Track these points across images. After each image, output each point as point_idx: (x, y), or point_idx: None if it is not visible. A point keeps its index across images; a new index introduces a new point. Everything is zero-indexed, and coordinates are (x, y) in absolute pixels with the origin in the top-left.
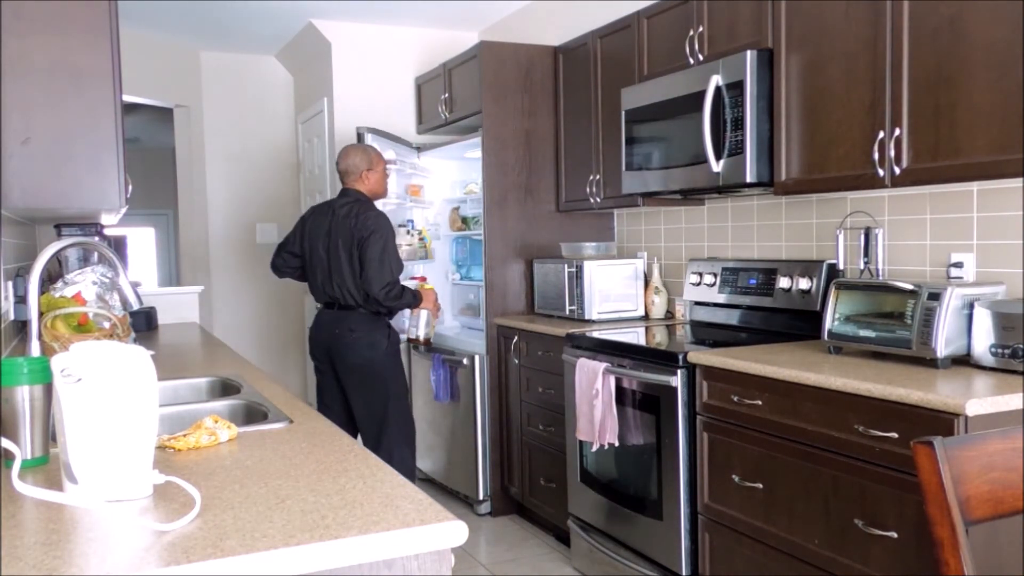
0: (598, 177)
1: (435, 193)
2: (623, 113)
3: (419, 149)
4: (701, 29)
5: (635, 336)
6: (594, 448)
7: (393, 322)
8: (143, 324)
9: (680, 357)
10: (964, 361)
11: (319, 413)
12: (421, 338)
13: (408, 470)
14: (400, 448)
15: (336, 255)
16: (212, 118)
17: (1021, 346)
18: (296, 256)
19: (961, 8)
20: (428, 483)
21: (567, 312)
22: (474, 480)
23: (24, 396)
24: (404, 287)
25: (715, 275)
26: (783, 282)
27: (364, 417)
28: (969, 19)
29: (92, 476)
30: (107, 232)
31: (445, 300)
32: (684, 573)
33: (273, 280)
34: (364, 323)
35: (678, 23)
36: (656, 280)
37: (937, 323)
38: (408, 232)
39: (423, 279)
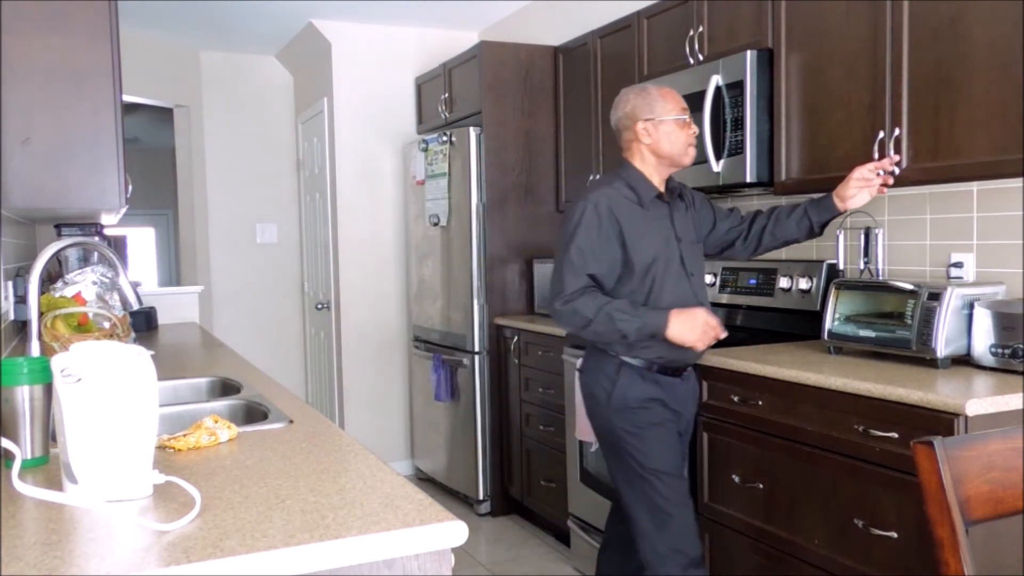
0: (598, 177)
1: None
2: None
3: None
4: (701, 29)
5: None
6: (594, 448)
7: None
8: (143, 324)
9: None
10: (964, 361)
11: (318, 413)
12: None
13: None
14: (662, 562)
15: None
16: (212, 118)
17: (1021, 346)
18: None
19: (961, 8)
20: (428, 483)
21: None
22: (474, 480)
23: (24, 396)
24: (595, 303)
25: (715, 275)
26: (783, 282)
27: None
28: (969, 19)
29: (92, 476)
30: (107, 232)
31: None
32: None
33: (273, 280)
34: (589, 360)
35: (678, 23)
36: None
37: (937, 323)
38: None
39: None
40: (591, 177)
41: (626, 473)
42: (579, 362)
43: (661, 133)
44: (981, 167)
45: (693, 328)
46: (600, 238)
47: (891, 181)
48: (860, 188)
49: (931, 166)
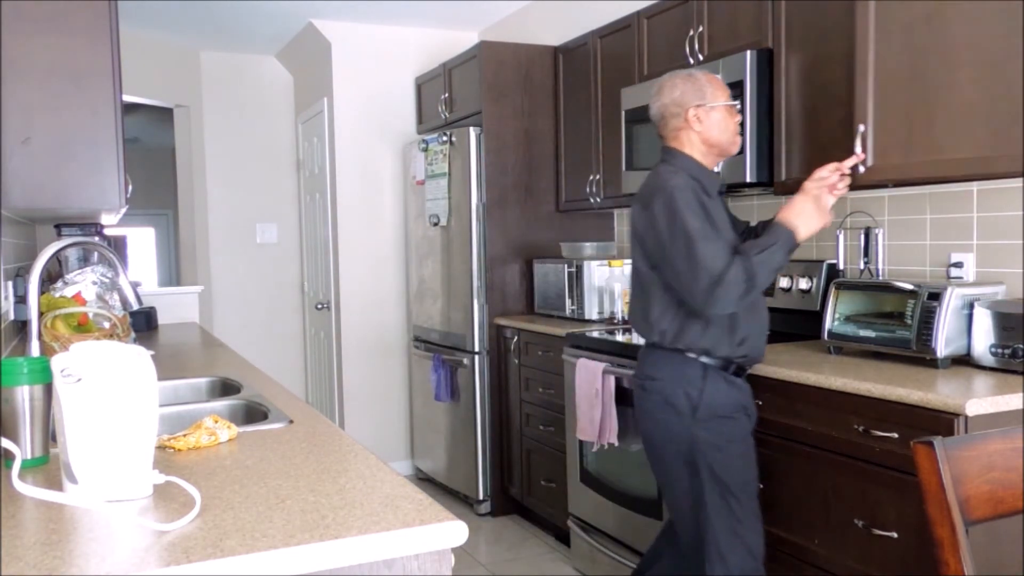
0: (598, 177)
1: None
2: (623, 113)
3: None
4: (701, 29)
5: (635, 336)
6: (594, 448)
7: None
8: (143, 324)
9: None
10: (964, 361)
11: (318, 413)
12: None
13: None
14: None
15: (633, 257)
16: (212, 118)
17: (1021, 346)
18: None
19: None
20: (428, 483)
21: (567, 312)
22: (474, 480)
23: (24, 396)
24: (739, 269)
25: None
26: (783, 282)
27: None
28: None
29: (92, 476)
30: (107, 232)
31: None
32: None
33: (273, 280)
34: (661, 363)
35: (678, 23)
36: None
37: (937, 323)
38: None
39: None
40: (591, 177)
41: (703, 491)
42: (637, 365)
43: (712, 120)
44: (956, 164)
45: (813, 213)
46: (704, 214)
47: (847, 182)
48: (816, 190)
49: (901, 163)
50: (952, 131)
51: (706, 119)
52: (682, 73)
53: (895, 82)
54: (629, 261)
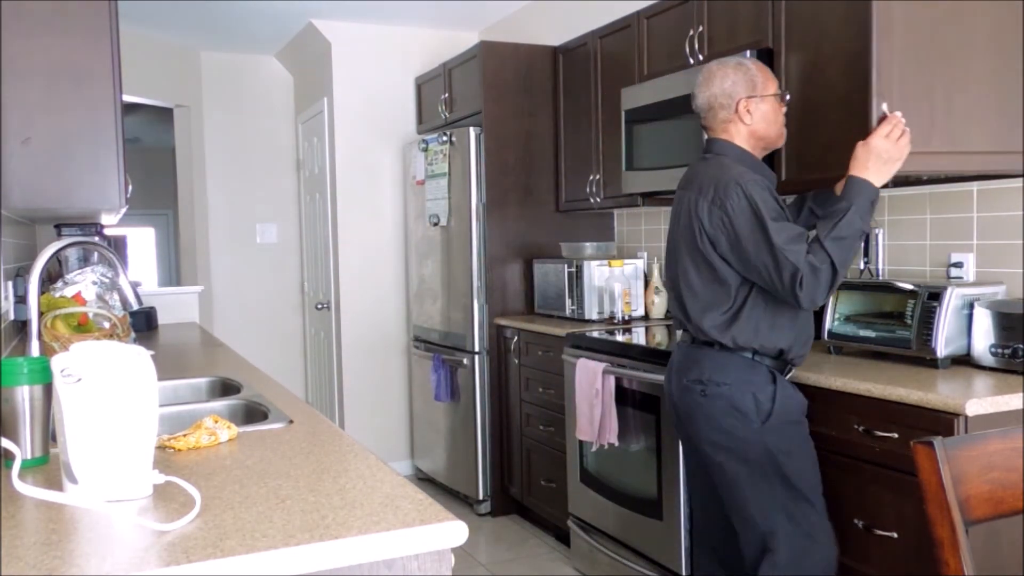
0: (598, 177)
1: None
2: (623, 113)
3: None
4: (701, 29)
5: (635, 336)
6: (594, 448)
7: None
8: (143, 324)
9: None
10: (964, 361)
11: (318, 413)
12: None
13: None
14: None
15: (681, 252)
16: (212, 118)
17: (1021, 346)
18: None
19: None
20: (428, 483)
21: (567, 312)
22: (474, 480)
23: (24, 396)
24: (822, 255)
25: None
26: None
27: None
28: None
29: (92, 476)
30: (107, 232)
31: None
32: (684, 573)
33: (273, 280)
34: (728, 367)
35: (678, 23)
36: (656, 280)
37: (937, 323)
38: None
39: None
40: (591, 177)
41: (774, 497)
42: (684, 367)
43: (761, 113)
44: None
45: (884, 149)
46: (780, 207)
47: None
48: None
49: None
50: (967, 124)
51: (756, 111)
52: (731, 61)
53: (914, 65)
54: (629, 261)
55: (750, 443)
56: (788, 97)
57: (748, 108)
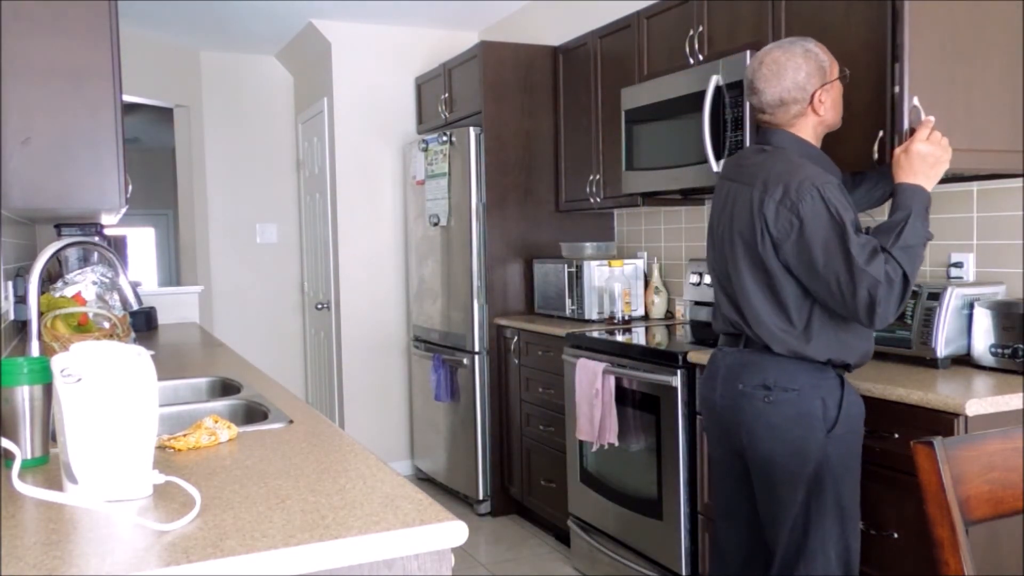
0: (598, 177)
1: None
2: (623, 113)
3: None
4: (701, 29)
5: (635, 336)
6: (594, 448)
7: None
8: (143, 324)
9: (680, 357)
10: (964, 361)
11: (318, 413)
12: None
13: None
14: None
15: (736, 251)
16: (212, 118)
17: (1021, 346)
18: None
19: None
20: (428, 483)
21: (567, 312)
22: (474, 480)
23: (24, 396)
24: (887, 264)
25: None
26: None
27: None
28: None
29: (92, 476)
30: (107, 232)
31: None
32: (684, 573)
33: (273, 280)
34: (799, 372)
35: (678, 23)
36: (656, 280)
37: (937, 323)
38: None
39: None
40: (591, 177)
41: (821, 511)
42: (746, 373)
43: (832, 99)
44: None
45: (928, 153)
46: (853, 214)
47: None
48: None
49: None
50: (986, 122)
51: (827, 99)
52: (798, 48)
53: (939, 63)
54: (629, 261)
55: (811, 454)
56: (848, 73)
57: (821, 98)
